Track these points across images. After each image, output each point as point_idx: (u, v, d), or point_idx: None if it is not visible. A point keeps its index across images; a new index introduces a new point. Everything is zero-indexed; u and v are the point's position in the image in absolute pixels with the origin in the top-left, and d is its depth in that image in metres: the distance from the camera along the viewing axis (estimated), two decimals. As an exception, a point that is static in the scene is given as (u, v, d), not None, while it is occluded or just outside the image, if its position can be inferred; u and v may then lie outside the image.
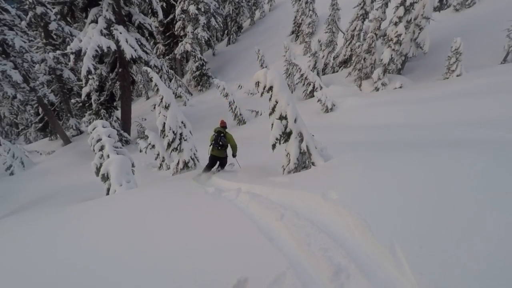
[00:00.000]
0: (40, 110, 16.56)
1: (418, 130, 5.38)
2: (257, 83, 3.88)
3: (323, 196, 2.46)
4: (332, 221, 2.16)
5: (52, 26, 14.84)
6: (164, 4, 21.21)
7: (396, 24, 9.05)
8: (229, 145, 5.10)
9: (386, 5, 10.02)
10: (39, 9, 14.22)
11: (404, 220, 1.82)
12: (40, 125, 18.04)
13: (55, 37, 15.81)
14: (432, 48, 9.63)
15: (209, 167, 5.33)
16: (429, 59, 10.19)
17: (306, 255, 1.84)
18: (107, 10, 11.24)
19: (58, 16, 14.13)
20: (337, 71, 13.73)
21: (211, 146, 5.09)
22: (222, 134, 5.03)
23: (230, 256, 1.97)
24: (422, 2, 8.61)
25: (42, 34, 15.71)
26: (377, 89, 9.86)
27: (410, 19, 8.87)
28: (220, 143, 4.98)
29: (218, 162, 5.29)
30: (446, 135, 4.73)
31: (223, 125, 5.27)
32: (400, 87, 9.36)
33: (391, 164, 2.69)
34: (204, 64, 20.47)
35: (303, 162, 4.00)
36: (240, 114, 12.02)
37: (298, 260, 1.83)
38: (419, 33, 9.07)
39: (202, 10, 20.31)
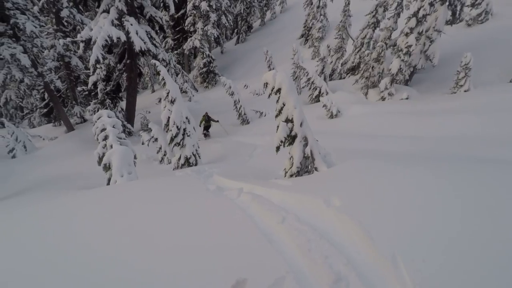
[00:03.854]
0: (46, 95, 16.58)
1: (423, 142, 5.36)
2: (266, 84, 3.88)
3: (325, 202, 2.45)
4: (333, 228, 2.16)
5: (64, 13, 14.87)
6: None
7: (407, 35, 9.03)
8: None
9: (398, 15, 9.99)
10: (53, -5, 14.28)
11: (407, 232, 1.81)
12: (45, 110, 18.09)
13: (66, 24, 15.84)
14: (441, 62, 9.59)
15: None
16: (438, 72, 10.16)
17: (306, 260, 1.83)
18: (119, 1, 11.27)
19: (71, 4, 14.20)
20: (344, 78, 13.71)
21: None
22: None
23: (230, 255, 1.96)
24: (435, 15, 8.59)
25: (54, 20, 15.75)
26: (383, 98, 9.83)
27: (422, 31, 8.84)
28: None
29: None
30: (452, 149, 4.71)
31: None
32: (407, 98, 9.33)
33: (395, 174, 2.68)
34: (212, 61, 20.50)
35: (306, 166, 4.00)
36: (245, 114, 12.03)
37: (298, 265, 1.82)
38: (429, 45, 9.04)
39: (214, 7, 20.36)
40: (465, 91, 8.45)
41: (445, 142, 5.22)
